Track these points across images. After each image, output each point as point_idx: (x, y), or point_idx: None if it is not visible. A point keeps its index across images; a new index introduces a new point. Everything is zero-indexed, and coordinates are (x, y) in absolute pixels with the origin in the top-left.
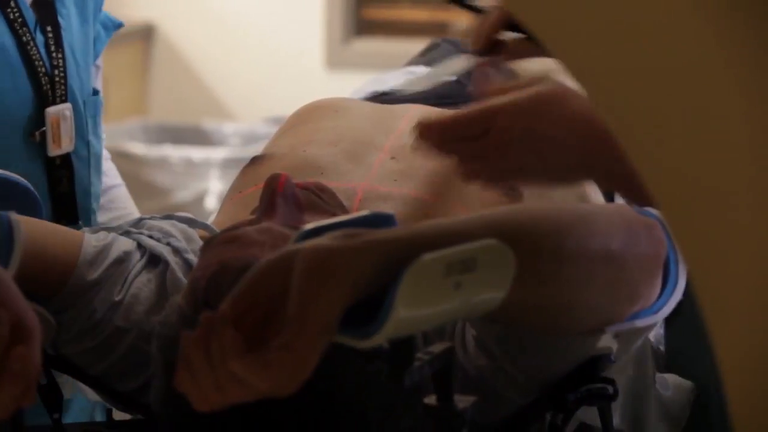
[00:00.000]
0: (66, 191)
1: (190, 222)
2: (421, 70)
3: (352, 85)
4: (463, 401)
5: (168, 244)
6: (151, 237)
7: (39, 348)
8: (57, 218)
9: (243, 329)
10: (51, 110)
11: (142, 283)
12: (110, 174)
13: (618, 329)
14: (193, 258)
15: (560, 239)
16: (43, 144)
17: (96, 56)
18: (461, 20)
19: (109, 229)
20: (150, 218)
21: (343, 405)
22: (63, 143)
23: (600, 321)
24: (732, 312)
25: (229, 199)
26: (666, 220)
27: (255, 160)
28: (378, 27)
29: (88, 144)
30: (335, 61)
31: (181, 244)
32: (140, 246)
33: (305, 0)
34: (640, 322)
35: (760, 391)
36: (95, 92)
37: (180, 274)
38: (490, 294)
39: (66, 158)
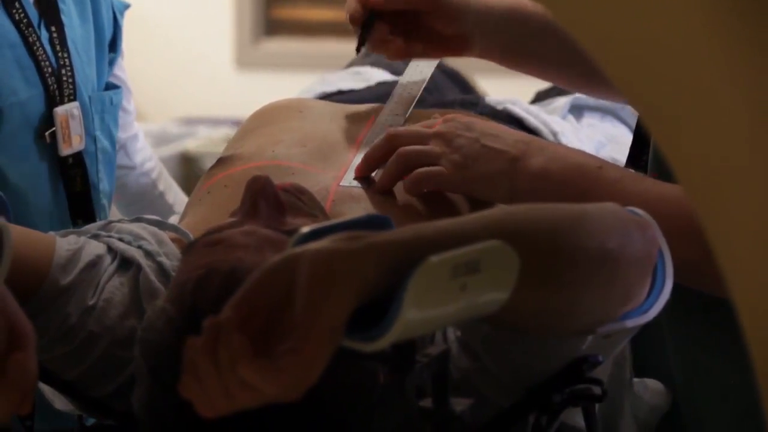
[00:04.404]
0: (81, 190)
1: (160, 224)
2: (367, 70)
3: (263, 85)
4: (459, 404)
5: (139, 247)
6: (121, 240)
7: (35, 354)
8: (74, 218)
9: (246, 334)
10: (59, 110)
11: (114, 287)
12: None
13: (608, 330)
14: (165, 261)
15: (557, 239)
16: (54, 144)
17: (116, 47)
18: None
19: (78, 233)
20: (118, 221)
21: (330, 405)
22: (74, 142)
23: (594, 321)
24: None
25: (197, 200)
26: (695, 206)
27: (222, 161)
28: (287, 27)
29: (95, 139)
30: (245, 61)
31: (153, 246)
32: (110, 249)
33: (214, 0)
34: (630, 323)
35: None
36: (109, 87)
37: (153, 277)
38: (494, 295)
39: (78, 157)
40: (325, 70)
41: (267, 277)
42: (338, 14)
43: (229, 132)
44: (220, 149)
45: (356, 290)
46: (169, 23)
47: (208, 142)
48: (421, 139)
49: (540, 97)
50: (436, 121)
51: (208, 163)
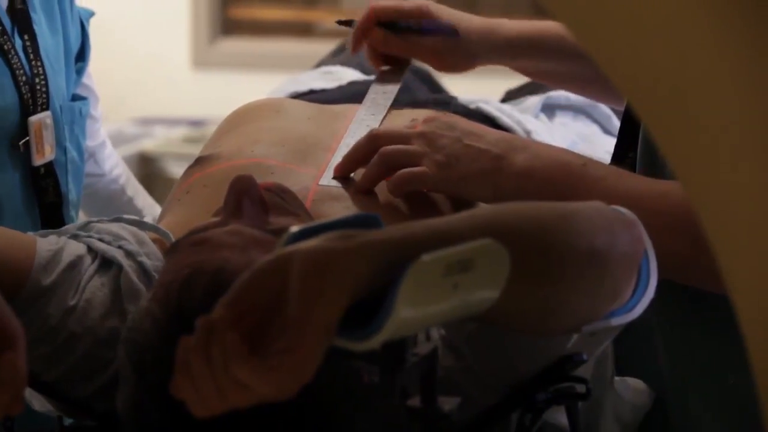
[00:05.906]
0: (53, 200)
1: (140, 224)
2: (338, 69)
3: (219, 84)
4: (448, 403)
5: (120, 247)
6: (101, 240)
7: (25, 353)
8: (46, 229)
9: (239, 333)
10: (33, 119)
11: (95, 288)
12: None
13: (594, 328)
14: (146, 261)
15: (547, 238)
16: (27, 154)
17: (84, 56)
18: (326, 20)
19: (58, 233)
20: (98, 221)
21: (320, 404)
22: (46, 152)
23: (580, 320)
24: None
25: (176, 200)
26: (692, 200)
27: (200, 161)
28: (244, 27)
29: (65, 150)
30: (202, 61)
31: (134, 247)
32: (91, 249)
33: (171, 0)
34: (615, 321)
35: None
36: (75, 98)
37: (134, 277)
38: (485, 294)
39: (49, 167)
40: (281, 70)
41: (259, 276)
42: (295, 14)
43: (186, 132)
44: (179, 149)
45: (349, 289)
46: (124, 23)
47: (166, 142)
48: (403, 139)
49: (510, 96)
50: (418, 121)
51: (168, 163)
